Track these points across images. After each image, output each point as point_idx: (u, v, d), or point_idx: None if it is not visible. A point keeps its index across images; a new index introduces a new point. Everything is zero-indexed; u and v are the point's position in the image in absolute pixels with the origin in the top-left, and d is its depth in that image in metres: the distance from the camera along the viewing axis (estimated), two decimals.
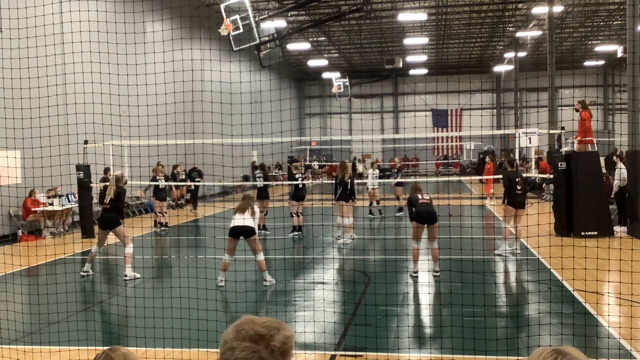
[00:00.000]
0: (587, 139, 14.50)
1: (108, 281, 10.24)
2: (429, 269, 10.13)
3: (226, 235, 9.48)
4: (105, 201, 10.46)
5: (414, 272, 9.94)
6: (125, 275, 10.18)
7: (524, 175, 13.54)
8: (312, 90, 47.24)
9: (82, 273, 10.60)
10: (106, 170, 15.79)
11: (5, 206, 14.89)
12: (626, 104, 14.71)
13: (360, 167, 31.26)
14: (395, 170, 20.15)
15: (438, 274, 9.76)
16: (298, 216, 15.01)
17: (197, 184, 20.30)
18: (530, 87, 38.67)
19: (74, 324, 7.09)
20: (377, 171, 18.66)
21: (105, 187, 10.69)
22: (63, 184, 15.01)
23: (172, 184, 19.46)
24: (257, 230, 9.54)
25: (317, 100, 47.37)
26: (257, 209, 9.71)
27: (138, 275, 10.27)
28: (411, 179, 21.79)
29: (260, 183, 15.72)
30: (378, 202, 18.69)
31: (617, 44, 34.24)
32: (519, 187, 11.54)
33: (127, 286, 9.73)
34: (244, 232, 9.32)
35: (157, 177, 16.96)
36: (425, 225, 9.72)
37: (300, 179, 15.30)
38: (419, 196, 9.90)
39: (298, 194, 15.02)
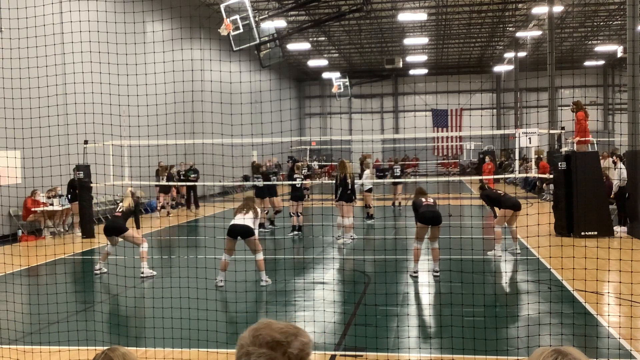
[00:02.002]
0: (585, 139, 14.51)
1: (108, 281, 10.23)
2: (429, 269, 10.13)
3: (226, 235, 9.48)
4: (117, 210, 10.58)
5: (414, 272, 9.95)
6: (142, 273, 10.25)
7: (524, 175, 13.58)
8: (312, 90, 47.22)
9: (95, 272, 10.68)
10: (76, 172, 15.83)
11: (5, 206, 14.88)
12: (626, 104, 14.71)
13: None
14: (396, 168, 20.01)
15: (438, 274, 9.76)
16: (298, 216, 15.01)
17: (192, 183, 20.30)
18: (530, 87, 38.64)
19: (74, 324, 7.09)
20: (367, 171, 17.48)
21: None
22: (63, 184, 15.02)
23: (168, 184, 19.47)
24: (256, 231, 9.52)
25: (317, 100, 47.34)
26: (258, 210, 9.72)
27: (155, 273, 10.35)
28: (410, 179, 21.72)
29: (272, 182, 15.83)
30: (370, 206, 17.75)
31: (617, 44, 34.22)
32: (501, 194, 11.89)
33: (126, 286, 9.73)
34: (241, 232, 9.28)
35: (161, 176, 18.09)
36: (429, 226, 9.80)
37: (299, 180, 15.31)
38: (423, 200, 10.01)
39: (295, 194, 15.05)
